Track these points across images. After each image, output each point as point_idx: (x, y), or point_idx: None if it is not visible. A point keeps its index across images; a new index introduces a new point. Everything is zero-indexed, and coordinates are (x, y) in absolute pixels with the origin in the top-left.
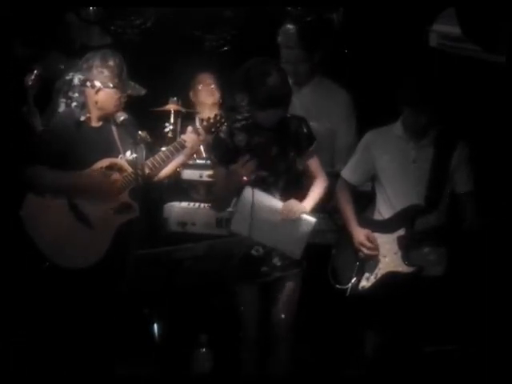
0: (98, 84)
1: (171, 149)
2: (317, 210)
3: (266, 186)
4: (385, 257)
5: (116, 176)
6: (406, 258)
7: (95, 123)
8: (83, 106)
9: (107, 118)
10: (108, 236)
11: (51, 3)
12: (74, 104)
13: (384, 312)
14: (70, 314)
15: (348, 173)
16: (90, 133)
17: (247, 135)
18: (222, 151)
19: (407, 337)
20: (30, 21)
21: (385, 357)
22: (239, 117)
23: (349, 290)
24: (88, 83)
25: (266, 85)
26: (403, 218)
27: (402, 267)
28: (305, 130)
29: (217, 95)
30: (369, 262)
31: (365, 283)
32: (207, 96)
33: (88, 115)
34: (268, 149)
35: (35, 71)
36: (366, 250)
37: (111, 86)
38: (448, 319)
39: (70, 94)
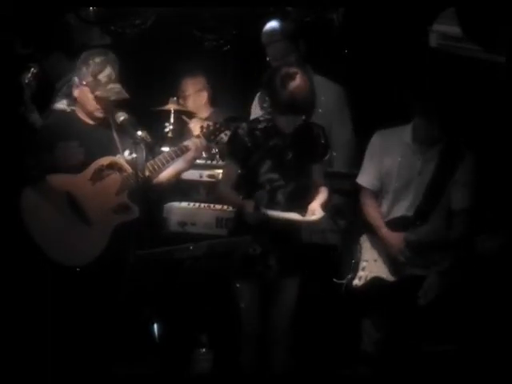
0: (76, 80)
1: (171, 153)
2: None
3: (274, 188)
4: (375, 261)
5: (116, 176)
6: (392, 266)
7: (89, 120)
8: (68, 96)
9: (104, 117)
10: (106, 234)
11: (51, 3)
12: (59, 94)
13: (375, 312)
14: (67, 313)
15: (365, 178)
16: (86, 130)
17: (265, 136)
18: (238, 147)
19: (399, 337)
20: (30, 20)
21: (381, 356)
22: (261, 118)
23: (344, 286)
24: (75, 78)
25: (287, 90)
26: (393, 228)
27: (386, 274)
28: (322, 140)
29: (206, 98)
30: (363, 262)
31: (357, 282)
32: (196, 101)
33: (73, 108)
34: (283, 152)
35: (32, 69)
36: (403, 258)
37: (84, 83)
38: (439, 322)
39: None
